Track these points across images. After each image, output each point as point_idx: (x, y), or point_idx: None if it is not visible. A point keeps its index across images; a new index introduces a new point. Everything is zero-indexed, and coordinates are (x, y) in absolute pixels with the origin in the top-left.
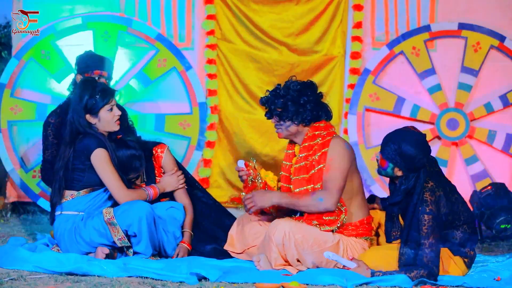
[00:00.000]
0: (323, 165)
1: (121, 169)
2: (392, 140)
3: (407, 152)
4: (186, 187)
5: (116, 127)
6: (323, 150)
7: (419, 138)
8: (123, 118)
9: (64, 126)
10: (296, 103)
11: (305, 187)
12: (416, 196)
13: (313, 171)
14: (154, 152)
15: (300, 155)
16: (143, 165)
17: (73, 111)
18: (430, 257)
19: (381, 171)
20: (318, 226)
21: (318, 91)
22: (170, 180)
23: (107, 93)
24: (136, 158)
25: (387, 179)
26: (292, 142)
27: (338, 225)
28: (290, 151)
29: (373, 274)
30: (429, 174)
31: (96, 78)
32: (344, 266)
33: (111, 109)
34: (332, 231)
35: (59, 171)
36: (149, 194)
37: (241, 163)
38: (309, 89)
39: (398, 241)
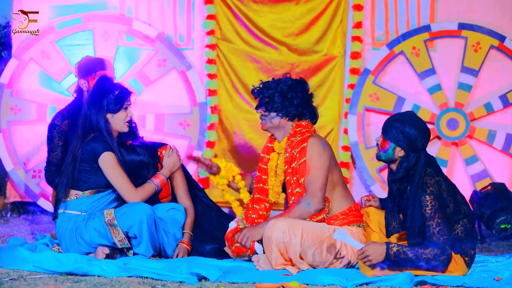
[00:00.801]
0: (305, 159)
1: (128, 174)
2: (396, 120)
3: (410, 131)
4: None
5: (125, 128)
6: (302, 145)
7: (421, 120)
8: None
9: (73, 129)
10: (283, 96)
11: (292, 181)
12: (418, 176)
13: (294, 164)
14: (158, 153)
15: (286, 154)
16: (151, 172)
17: (92, 107)
18: (440, 235)
19: (380, 155)
20: (309, 219)
21: (309, 92)
22: (171, 160)
23: (126, 92)
24: (145, 166)
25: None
26: (272, 137)
27: (327, 210)
28: (270, 145)
29: (388, 245)
30: (428, 164)
31: None
32: (354, 248)
33: (126, 108)
34: (324, 219)
35: (68, 166)
36: (156, 185)
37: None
38: (299, 86)
39: (397, 234)
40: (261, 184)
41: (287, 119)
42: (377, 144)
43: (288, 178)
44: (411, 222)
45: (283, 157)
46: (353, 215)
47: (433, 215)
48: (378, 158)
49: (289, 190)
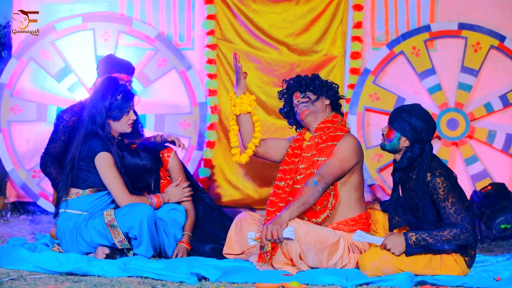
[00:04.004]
0: (335, 143)
1: (130, 178)
2: (403, 110)
3: (417, 122)
4: (191, 199)
5: (127, 129)
6: (337, 133)
7: (427, 113)
8: (135, 123)
9: (81, 124)
10: (320, 80)
11: (310, 162)
12: (424, 166)
13: (322, 145)
14: (160, 155)
15: (314, 134)
16: (152, 178)
17: (93, 108)
18: (457, 215)
19: (385, 144)
20: (314, 220)
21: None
22: (175, 192)
23: (129, 96)
24: (147, 171)
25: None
26: (304, 130)
27: (329, 207)
28: (299, 136)
29: (406, 235)
30: (433, 157)
31: None
32: (376, 244)
33: (128, 112)
34: (328, 216)
35: (67, 165)
36: (152, 202)
37: (251, 241)
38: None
39: (399, 229)
40: (279, 190)
41: (329, 102)
42: (383, 134)
43: (306, 154)
44: (424, 213)
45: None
46: (362, 223)
47: (446, 196)
48: (383, 147)
49: (302, 166)
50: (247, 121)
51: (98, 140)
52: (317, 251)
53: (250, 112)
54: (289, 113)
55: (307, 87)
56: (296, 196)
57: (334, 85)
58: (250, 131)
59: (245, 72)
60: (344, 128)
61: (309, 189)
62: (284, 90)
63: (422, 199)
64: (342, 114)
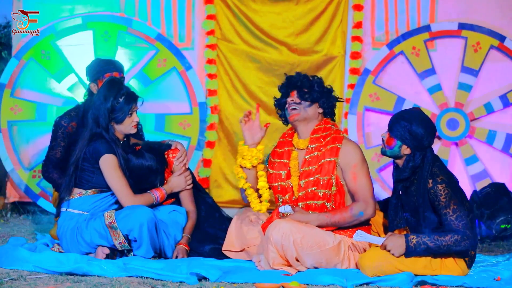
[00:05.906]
0: (335, 159)
1: (136, 179)
2: (403, 118)
3: (417, 130)
4: (192, 185)
5: (132, 130)
6: (335, 145)
7: (427, 118)
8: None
9: (80, 129)
10: (322, 87)
11: (312, 178)
12: (425, 173)
13: (323, 160)
14: (165, 156)
15: (311, 146)
16: (158, 178)
17: (96, 110)
18: (458, 221)
19: (385, 151)
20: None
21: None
22: (178, 181)
23: (132, 98)
24: (153, 172)
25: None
26: (290, 131)
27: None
28: (289, 139)
29: (407, 237)
30: (434, 161)
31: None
32: (376, 244)
33: (131, 114)
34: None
35: (70, 166)
36: (155, 197)
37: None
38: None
39: (399, 230)
40: (282, 183)
41: (322, 111)
42: (383, 140)
43: (305, 169)
44: (424, 219)
45: (303, 153)
46: (363, 228)
47: (448, 203)
48: (383, 153)
49: (302, 182)
50: (251, 173)
51: (103, 142)
52: (315, 255)
53: (255, 166)
54: (282, 105)
55: (305, 91)
56: (333, 214)
57: (334, 97)
58: (254, 183)
59: (267, 124)
60: (338, 135)
61: (350, 218)
62: (285, 85)
63: (423, 206)
64: (333, 118)
